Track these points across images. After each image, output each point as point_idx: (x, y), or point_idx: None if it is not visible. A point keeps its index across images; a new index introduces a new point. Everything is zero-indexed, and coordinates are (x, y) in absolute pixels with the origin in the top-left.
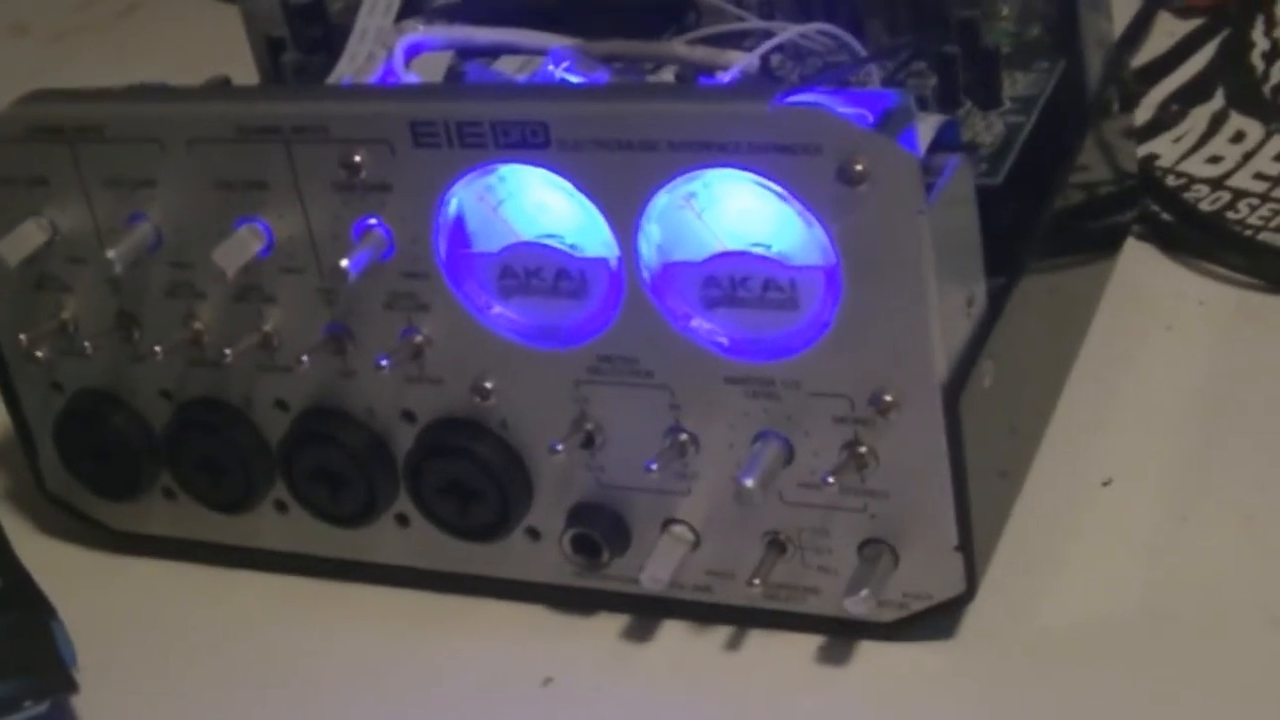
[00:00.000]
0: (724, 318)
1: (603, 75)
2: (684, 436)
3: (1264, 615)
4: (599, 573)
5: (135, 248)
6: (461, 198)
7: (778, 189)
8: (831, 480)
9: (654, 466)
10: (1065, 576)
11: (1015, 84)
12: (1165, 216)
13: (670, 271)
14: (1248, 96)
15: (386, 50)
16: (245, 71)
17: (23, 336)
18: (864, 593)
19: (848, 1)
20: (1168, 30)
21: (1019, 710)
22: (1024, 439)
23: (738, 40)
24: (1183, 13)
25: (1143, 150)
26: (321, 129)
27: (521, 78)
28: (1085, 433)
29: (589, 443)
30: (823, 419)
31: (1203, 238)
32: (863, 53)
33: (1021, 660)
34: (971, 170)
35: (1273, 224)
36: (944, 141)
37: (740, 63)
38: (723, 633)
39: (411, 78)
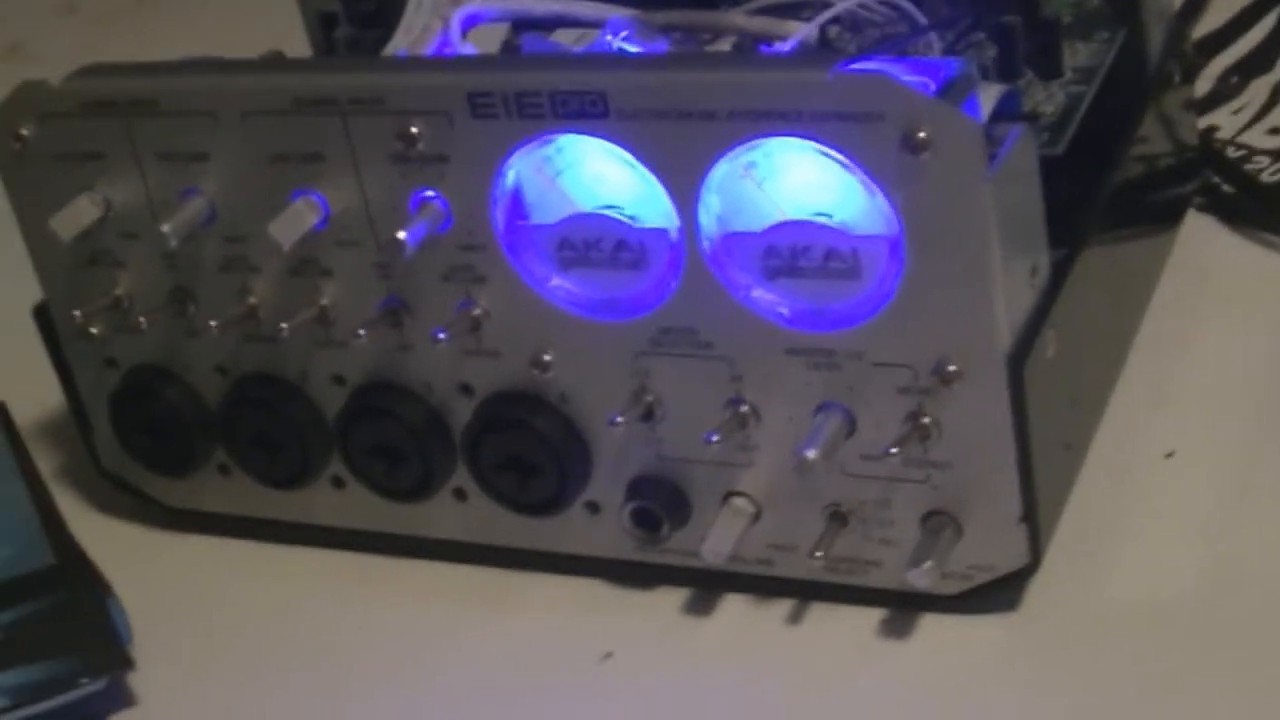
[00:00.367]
0: (785, 288)
1: (661, 45)
2: (745, 408)
3: None
4: (659, 546)
5: (189, 222)
6: (519, 169)
7: (839, 157)
8: (894, 451)
9: (715, 439)
10: (1129, 548)
11: (1076, 54)
12: (1226, 188)
13: (730, 242)
14: None
15: (443, 22)
16: (298, 49)
17: (77, 313)
18: (927, 565)
19: None
20: (1227, 2)
21: (1084, 682)
22: (1086, 410)
23: (795, 11)
24: None
25: (1203, 122)
26: (378, 100)
27: (579, 49)
28: (1147, 405)
29: (649, 415)
30: (885, 390)
31: (1264, 209)
32: (922, 22)
33: (1086, 632)
34: (1034, 140)
35: None
36: (1005, 111)
37: (799, 33)
38: (784, 607)
39: (468, 49)
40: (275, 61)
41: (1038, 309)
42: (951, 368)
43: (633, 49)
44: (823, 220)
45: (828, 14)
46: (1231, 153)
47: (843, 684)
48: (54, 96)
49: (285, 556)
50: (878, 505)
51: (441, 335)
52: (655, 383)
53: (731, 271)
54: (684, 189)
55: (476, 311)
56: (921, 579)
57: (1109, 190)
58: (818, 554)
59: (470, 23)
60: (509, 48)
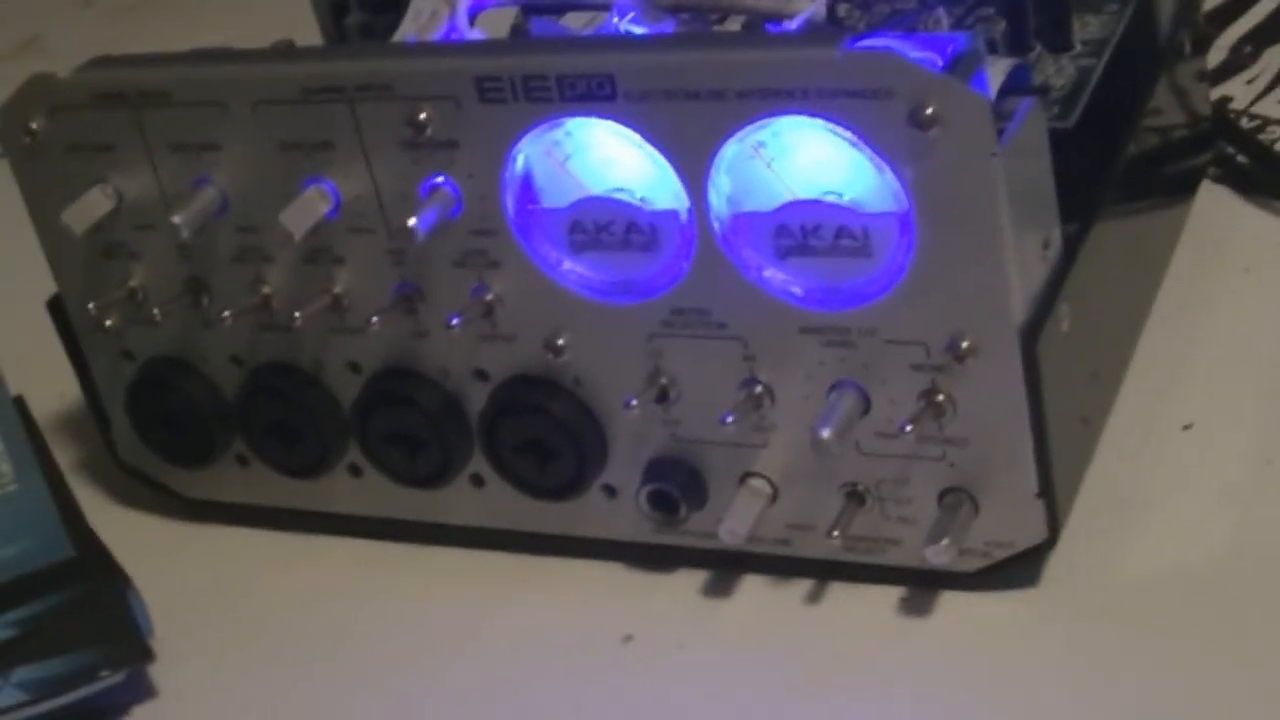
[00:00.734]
0: (797, 267)
1: (668, 25)
2: (759, 388)
3: None
4: (677, 528)
5: (202, 212)
6: (529, 153)
7: (848, 135)
8: (909, 429)
9: (730, 419)
10: (1149, 522)
11: (1086, 26)
12: (1241, 159)
13: (741, 222)
14: None
15: (450, 7)
16: (311, 38)
17: (91, 306)
18: (945, 542)
19: None
20: None
21: (1105, 657)
22: (1103, 383)
23: None
24: None
25: (1216, 92)
26: (386, 87)
27: (587, 31)
28: (1165, 377)
29: (664, 397)
30: (899, 367)
31: (1279, 179)
32: None
33: (1106, 607)
34: (1043, 113)
35: None
36: (1015, 85)
37: (806, 10)
38: (803, 586)
39: (475, 34)
40: (284, 50)
41: (1051, 283)
42: (965, 344)
43: (640, 30)
44: (833, 198)
45: None
46: (1246, 123)
47: (862, 663)
48: (64, 89)
49: (304, 546)
50: (895, 483)
51: (455, 321)
52: (669, 364)
53: (743, 252)
54: (693, 170)
55: (489, 297)
56: (939, 556)
57: (1121, 163)
58: (835, 533)
59: (477, 8)
60: (518, 32)
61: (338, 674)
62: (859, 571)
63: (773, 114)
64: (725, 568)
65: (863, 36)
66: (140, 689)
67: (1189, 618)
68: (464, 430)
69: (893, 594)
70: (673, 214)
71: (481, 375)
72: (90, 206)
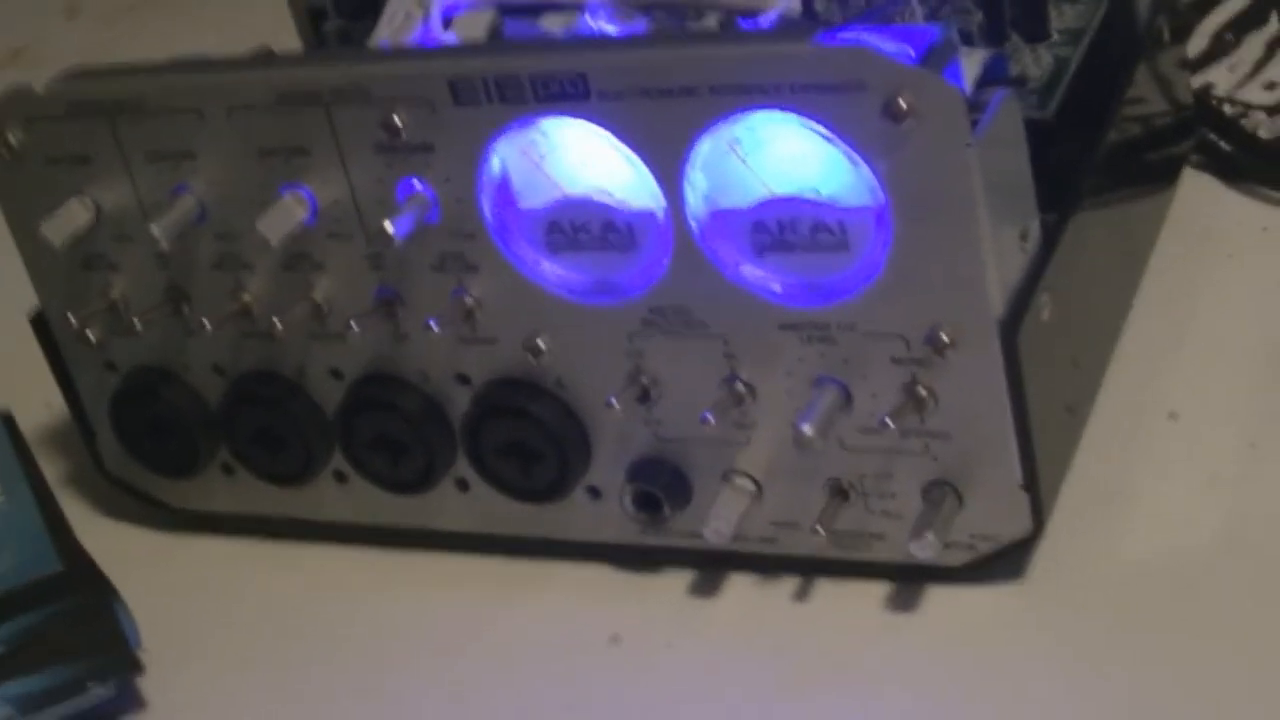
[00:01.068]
0: (775, 263)
1: (641, 24)
2: (740, 386)
3: None
4: (662, 528)
5: (180, 221)
6: (504, 155)
7: (822, 129)
8: (891, 423)
9: (710, 417)
10: (1135, 511)
11: (1063, 16)
12: (1224, 145)
13: (718, 219)
14: None
15: (424, 10)
16: (293, 46)
17: (72, 317)
18: (929, 536)
19: None
20: None
21: (1093, 648)
22: (1087, 373)
23: None
24: None
25: (1199, 80)
26: (360, 91)
27: (561, 32)
28: (1150, 365)
29: (645, 397)
30: (880, 361)
31: (1262, 164)
32: None
33: (1094, 597)
34: (1018, 103)
35: None
36: (991, 76)
37: (780, 5)
38: (790, 583)
39: (449, 37)
40: (258, 57)
41: (1030, 274)
42: (944, 336)
43: (613, 29)
44: (809, 194)
45: None
46: (1228, 109)
47: (850, 659)
48: (40, 101)
49: (291, 553)
50: (878, 478)
51: (435, 324)
52: (650, 364)
53: (721, 249)
54: (668, 168)
55: (469, 299)
56: (924, 550)
57: (1101, 152)
58: (820, 529)
59: (451, 11)
60: (494, 33)
61: (328, 681)
62: (845, 567)
63: (746, 110)
64: (711, 567)
65: (835, 30)
66: (130, 701)
67: (1177, 607)
68: (447, 434)
69: (879, 589)
70: (650, 213)
71: (463, 379)
72: (69, 218)
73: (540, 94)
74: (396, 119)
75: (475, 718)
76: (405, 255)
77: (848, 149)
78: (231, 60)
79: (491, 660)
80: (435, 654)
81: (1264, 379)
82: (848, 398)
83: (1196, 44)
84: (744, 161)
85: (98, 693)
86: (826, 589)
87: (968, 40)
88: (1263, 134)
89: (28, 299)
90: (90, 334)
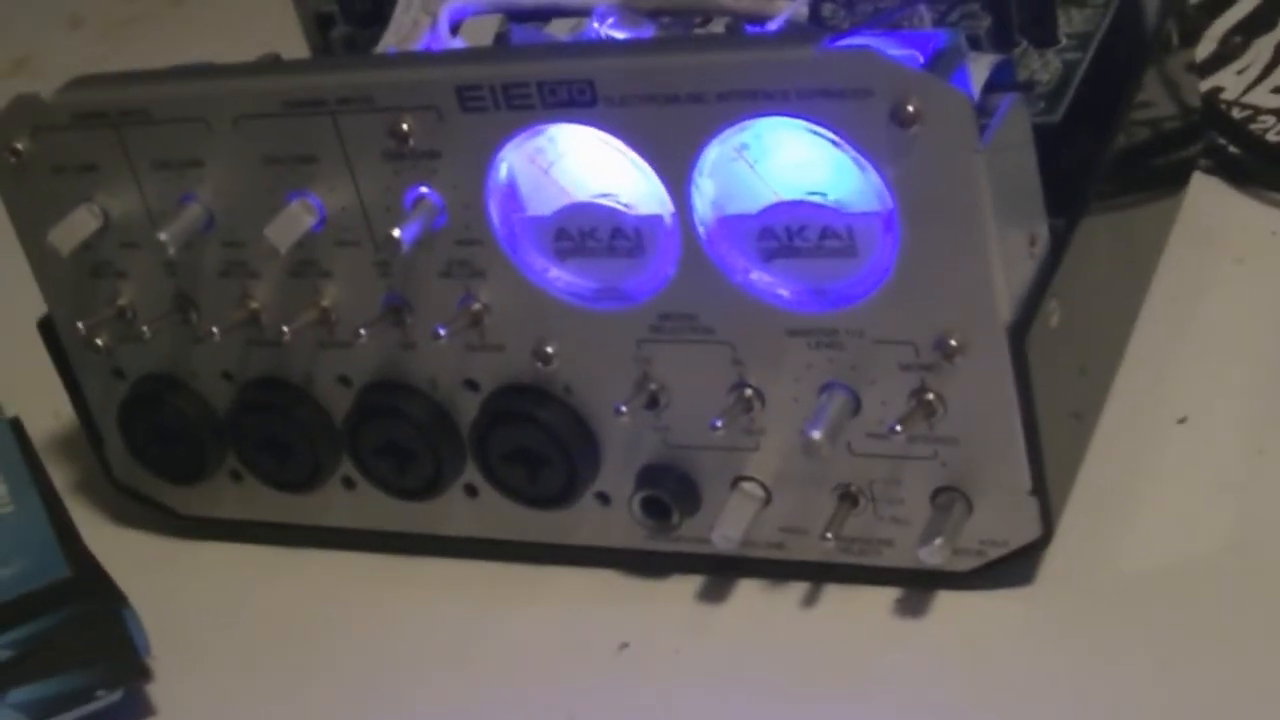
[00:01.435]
0: (783, 269)
1: (648, 30)
2: (749, 392)
3: None
4: (670, 535)
5: (187, 229)
6: (512, 161)
7: (830, 135)
8: (899, 429)
9: (719, 424)
10: (1144, 516)
11: (1071, 20)
12: (1232, 149)
13: (726, 225)
14: None
15: (431, 17)
16: (299, 51)
17: (80, 325)
18: (938, 542)
19: None
20: None
21: (1103, 654)
22: (1095, 378)
23: None
24: None
25: (1207, 84)
26: (367, 99)
27: (568, 38)
28: (1158, 370)
29: (653, 403)
30: (888, 367)
31: (1271, 168)
32: None
33: (1103, 603)
34: (1026, 108)
35: None
36: (999, 81)
37: (787, 10)
38: (798, 590)
39: (456, 44)
40: (264, 64)
41: (1039, 279)
42: (953, 342)
43: (619, 35)
44: (817, 199)
45: None
46: (1236, 113)
47: (859, 665)
48: (47, 110)
49: (300, 560)
50: (887, 484)
51: (443, 331)
52: (658, 370)
53: (728, 255)
54: (676, 174)
55: (477, 306)
56: (933, 556)
57: (1109, 156)
58: (829, 535)
59: (458, 17)
60: (501, 40)
61: (336, 687)
62: (854, 573)
63: (753, 116)
64: (720, 573)
65: (843, 35)
66: (138, 707)
67: (1186, 613)
68: (455, 441)
69: (888, 595)
70: (657, 219)
71: (471, 385)
72: (76, 226)
73: (548, 100)
74: (404, 126)
75: None
76: (413, 262)
77: (855, 154)
78: (238, 68)
79: (500, 666)
80: (443, 660)
81: (1273, 384)
82: (856, 404)
83: (1205, 48)
84: (751, 167)
85: (106, 699)
86: (835, 595)
87: (976, 45)
88: (1271, 138)
89: (36, 306)
90: (98, 341)
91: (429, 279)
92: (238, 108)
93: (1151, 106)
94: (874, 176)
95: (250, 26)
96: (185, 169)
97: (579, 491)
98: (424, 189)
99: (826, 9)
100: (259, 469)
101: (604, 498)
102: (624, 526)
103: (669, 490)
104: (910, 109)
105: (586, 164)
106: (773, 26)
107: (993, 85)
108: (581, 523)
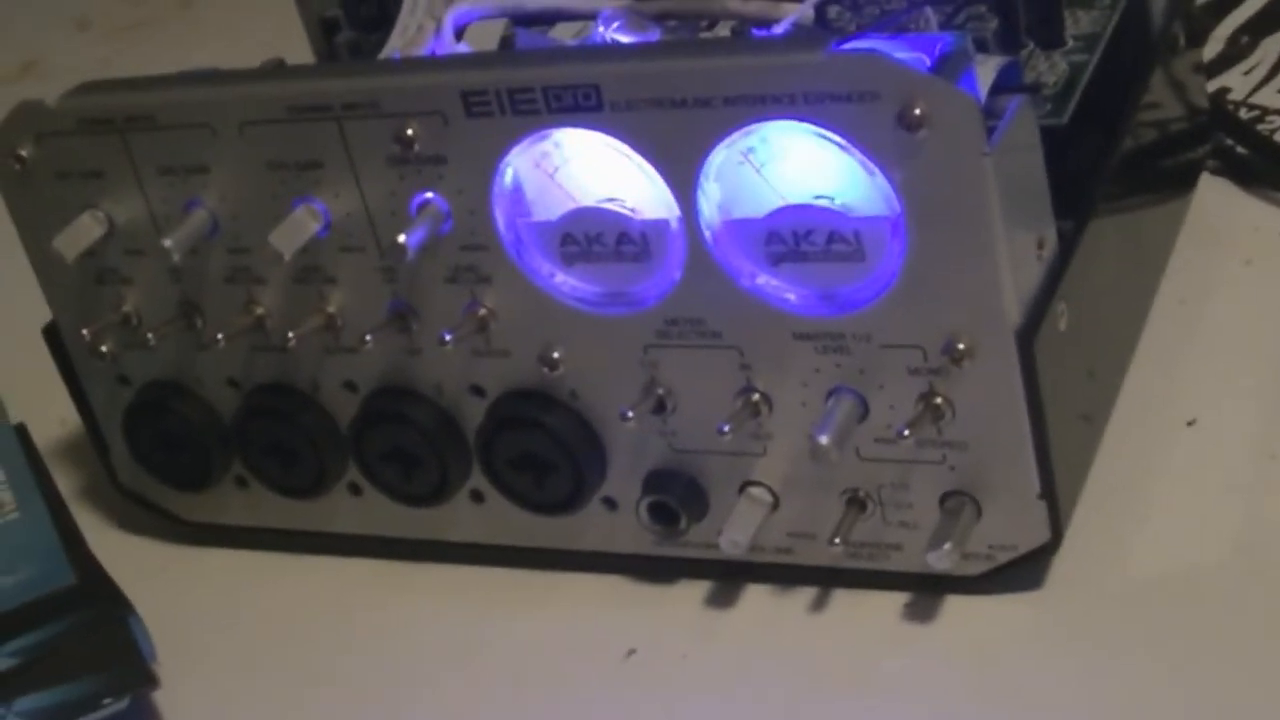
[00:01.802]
0: (790, 273)
1: (654, 34)
2: (756, 396)
3: None
4: (678, 540)
5: (192, 235)
6: (517, 166)
7: (837, 139)
8: (908, 433)
9: (726, 429)
10: (1154, 520)
11: (1078, 22)
12: (1240, 150)
13: (732, 229)
14: None
15: (436, 22)
16: (304, 56)
17: (85, 331)
18: (946, 546)
19: None
20: None
21: (1112, 659)
22: (1104, 381)
23: None
24: None
25: (1214, 84)
26: (372, 104)
27: (572, 42)
28: (1167, 372)
29: (660, 408)
30: (896, 371)
31: (1279, 170)
32: None
33: (1113, 608)
34: (1034, 111)
35: None
36: (1006, 83)
37: (793, 13)
38: (807, 594)
39: (461, 49)
40: (269, 70)
41: (1047, 282)
42: (961, 346)
43: (625, 39)
44: (824, 203)
45: None
46: (1244, 114)
47: (867, 670)
48: (51, 116)
49: (306, 566)
50: (895, 488)
51: (449, 337)
52: (665, 375)
53: (735, 259)
54: (682, 178)
55: (483, 312)
56: (941, 561)
57: (1117, 158)
58: (837, 540)
59: (463, 22)
60: (507, 45)
61: (342, 693)
62: (862, 578)
63: (760, 120)
64: (727, 578)
65: (850, 38)
66: (144, 714)
67: (1196, 616)
68: (461, 447)
69: (897, 600)
70: (663, 223)
71: (478, 391)
72: (81, 232)
73: (553, 105)
74: (409, 131)
75: None
76: (418, 268)
77: (863, 158)
78: (242, 73)
79: (507, 673)
80: (449, 666)
81: None
82: (864, 408)
83: (1212, 48)
84: (758, 171)
85: (112, 707)
86: (844, 600)
87: (983, 47)
88: (1279, 138)
89: (41, 312)
90: (103, 348)
91: (435, 284)
92: (243, 113)
93: (1159, 108)
94: (881, 180)
95: (256, 30)
96: (190, 175)
97: (586, 497)
98: (429, 194)
99: (833, 11)
100: (264, 475)
101: (611, 503)
102: (631, 532)
103: (676, 495)
104: (917, 112)
105: (592, 169)
106: (779, 30)
107: (1000, 87)
108: (588, 528)
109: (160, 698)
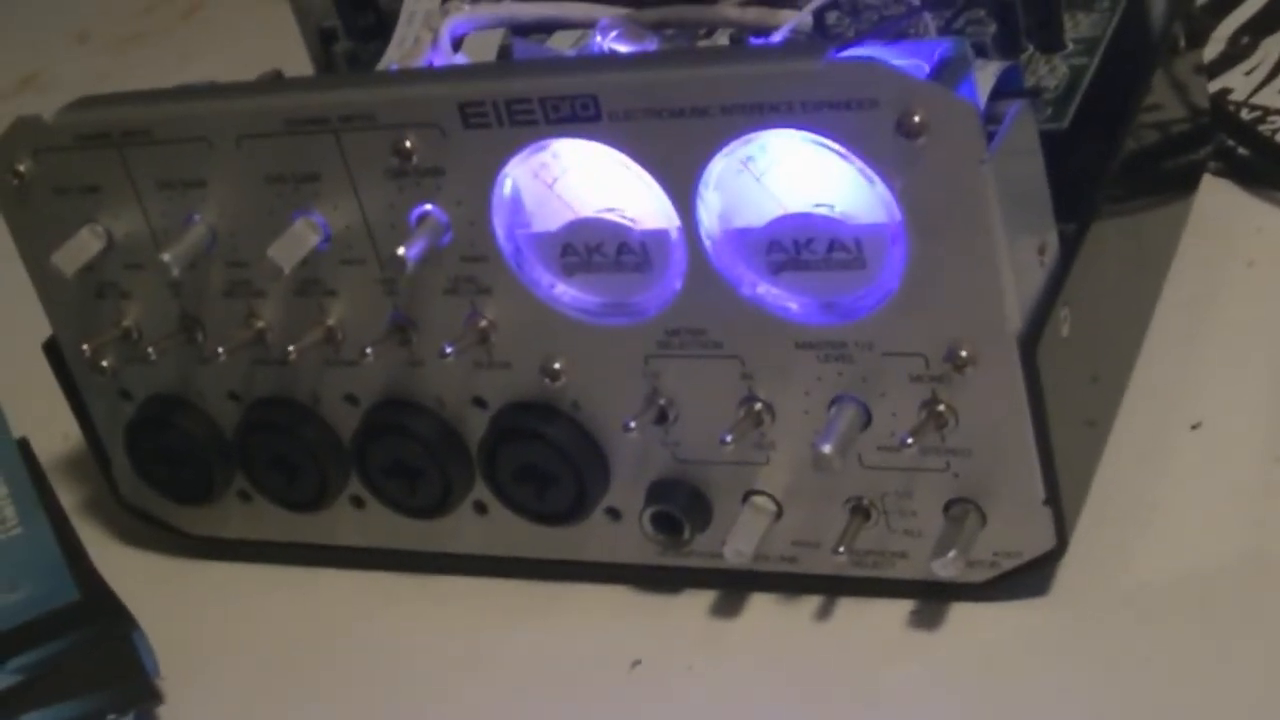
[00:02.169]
0: (790, 282)
1: (652, 43)
2: (758, 406)
3: None
4: (682, 550)
5: (191, 249)
6: (516, 177)
7: (836, 147)
8: (911, 441)
9: (729, 438)
10: (1159, 524)
11: (1077, 25)
12: (1242, 151)
13: (732, 238)
14: None
15: (433, 33)
16: (303, 67)
17: (85, 346)
18: (951, 554)
19: None
20: None
21: (1119, 665)
22: (1108, 386)
23: (791, 0)
24: None
25: (1215, 85)
26: (369, 116)
27: (571, 52)
28: (1171, 375)
29: (662, 418)
30: (898, 379)
31: None
32: (916, 2)
33: (1119, 613)
34: (1034, 115)
35: None
36: (1006, 88)
37: (792, 21)
38: (812, 603)
39: (459, 59)
40: (266, 83)
41: (1049, 287)
42: (964, 353)
43: (623, 49)
44: (824, 211)
45: (821, 1)
46: (1246, 115)
47: (874, 679)
48: (48, 131)
49: (311, 580)
50: (899, 496)
51: (450, 349)
52: (667, 385)
53: (736, 268)
54: (681, 187)
55: (483, 323)
56: (946, 569)
57: (1118, 162)
58: (841, 549)
59: (460, 32)
60: (505, 55)
61: (347, 707)
62: (867, 586)
63: (758, 128)
64: (732, 587)
65: (848, 45)
66: None
67: (1204, 623)
68: (464, 459)
69: (902, 608)
70: (663, 233)
71: (479, 403)
72: (80, 247)
73: (551, 116)
74: (407, 143)
75: None
76: (418, 280)
77: (862, 166)
78: (239, 87)
79: (512, 684)
80: (454, 679)
81: None
82: (867, 416)
83: (1212, 49)
84: (758, 180)
85: None
86: (849, 608)
87: (982, 52)
88: None
89: (42, 328)
90: (104, 363)
91: (435, 296)
92: (240, 127)
93: (1160, 110)
94: (881, 188)
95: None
96: (188, 189)
97: (589, 508)
98: (428, 206)
99: (832, 18)
100: (267, 489)
101: (615, 513)
102: (635, 542)
103: (680, 505)
104: (916, 119)
105: (591, 179)
106: (777, 38)
107: (1000, 92)
108: (592, 539)
109: (164, 713)
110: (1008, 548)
